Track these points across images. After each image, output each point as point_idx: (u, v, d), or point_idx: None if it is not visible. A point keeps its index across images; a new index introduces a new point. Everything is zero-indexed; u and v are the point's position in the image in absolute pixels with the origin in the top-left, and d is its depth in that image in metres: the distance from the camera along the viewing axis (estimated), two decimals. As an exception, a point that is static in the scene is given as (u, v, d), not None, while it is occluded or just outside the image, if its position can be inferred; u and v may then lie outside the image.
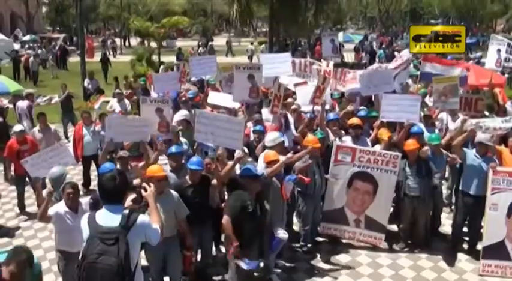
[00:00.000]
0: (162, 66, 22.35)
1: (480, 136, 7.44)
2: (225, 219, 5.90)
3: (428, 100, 10.89)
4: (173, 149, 7.02)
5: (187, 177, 6.40)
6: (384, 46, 26.30)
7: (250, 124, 8.55)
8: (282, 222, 6.93)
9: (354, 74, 11.15)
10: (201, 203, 6.32)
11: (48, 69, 28.87)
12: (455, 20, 66.73)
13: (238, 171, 6.47)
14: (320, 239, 8.01)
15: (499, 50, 11.63)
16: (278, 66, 10.23)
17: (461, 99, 9.58)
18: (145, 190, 4.25)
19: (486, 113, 10.07)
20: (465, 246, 7.77)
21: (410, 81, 12.67)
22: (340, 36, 31.54)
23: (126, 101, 12.29)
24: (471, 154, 7.35)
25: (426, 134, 8.39)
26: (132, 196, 4.26)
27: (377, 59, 24.64)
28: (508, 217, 6.92)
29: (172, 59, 27.22)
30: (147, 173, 6.00)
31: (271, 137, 7.35)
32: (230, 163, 6.47)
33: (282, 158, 6.70)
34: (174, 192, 6.07)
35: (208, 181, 6.45)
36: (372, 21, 71.61)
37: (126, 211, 3.80)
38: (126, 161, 7.12)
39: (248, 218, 5.91)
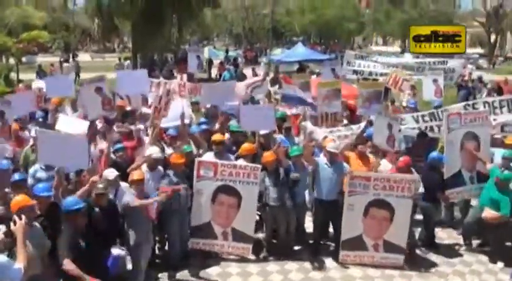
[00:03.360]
0: (20, 85, 20.85)
1: (329, 145, 8.02)
2: (67, 262, 5.36)
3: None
4: (16, 176, 6.51)
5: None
6: (229, 67, 27.37)
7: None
8: (148, 242, 6.88)
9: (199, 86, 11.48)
10: (54, 237, 5.65)
11: None
12: (315, 38, 71.03)
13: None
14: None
15: (333, 69, 12.64)
16: (135, 84, 10.07)
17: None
18: (15, 223, 3.84)
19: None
20: (329, 247, 8.29)
21: None
22: (206, 52, 32.05)
23: None
24: (322, 162, 7.88)
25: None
26: (3, 229, 3.84)
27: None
28: (364, 216, 7.59)
29: (32, 76, 25.57)
30: (14, 205, 5.20)
31: (151, 151, 7.30)
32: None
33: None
34: (37, 224, 5.54)
35: (59, 210, 5.81)
36: (238, 38, 73.53)
37: None
38: None
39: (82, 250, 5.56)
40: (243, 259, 7.90)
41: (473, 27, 50.32)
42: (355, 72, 15.19)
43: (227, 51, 42.77)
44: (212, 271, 7.62)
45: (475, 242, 8.58)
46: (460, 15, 64.17)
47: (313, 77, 16.97)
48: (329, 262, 7.93)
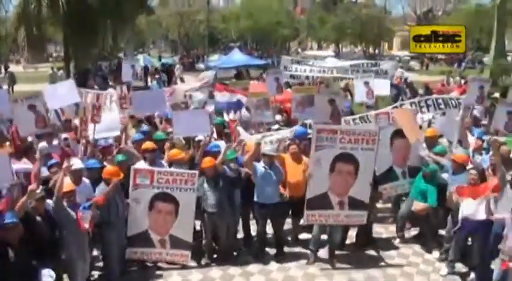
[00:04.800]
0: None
1: (265, 148, 8.13)
2: None
3: None
4: None
5: None
6: (158, 77, 27.40)
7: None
8: (85, 260, 6.71)
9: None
10: None
11: None
12: (252, 43, 71.62)
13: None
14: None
15: (277, 78, 12.89)
16: (64, 95, 9.76)
17: None
18: None
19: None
20: (271, 250, 8.28)
21: None
22: (141, 60, 31.58)
23: None
24: (260, 166, 7.89)
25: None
26: None
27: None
28: (330, 172, 7.63)
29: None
30: None
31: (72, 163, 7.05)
32: None
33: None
34: None
35: None
36: (174, 44, 72.97)
37: None
38: None
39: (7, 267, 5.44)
40: (184, 267, 7.77)
41: (404, 31, 52.31)
42: (292, 76, 15.41)
43: (160, 58, 42.42)
44: (153, 282, 7.50)
45: (411, 234, 8.92)
46: (392, 19, 66.52)
47: (252, 82, 17.22)
48: (272, 264, 7.96)
